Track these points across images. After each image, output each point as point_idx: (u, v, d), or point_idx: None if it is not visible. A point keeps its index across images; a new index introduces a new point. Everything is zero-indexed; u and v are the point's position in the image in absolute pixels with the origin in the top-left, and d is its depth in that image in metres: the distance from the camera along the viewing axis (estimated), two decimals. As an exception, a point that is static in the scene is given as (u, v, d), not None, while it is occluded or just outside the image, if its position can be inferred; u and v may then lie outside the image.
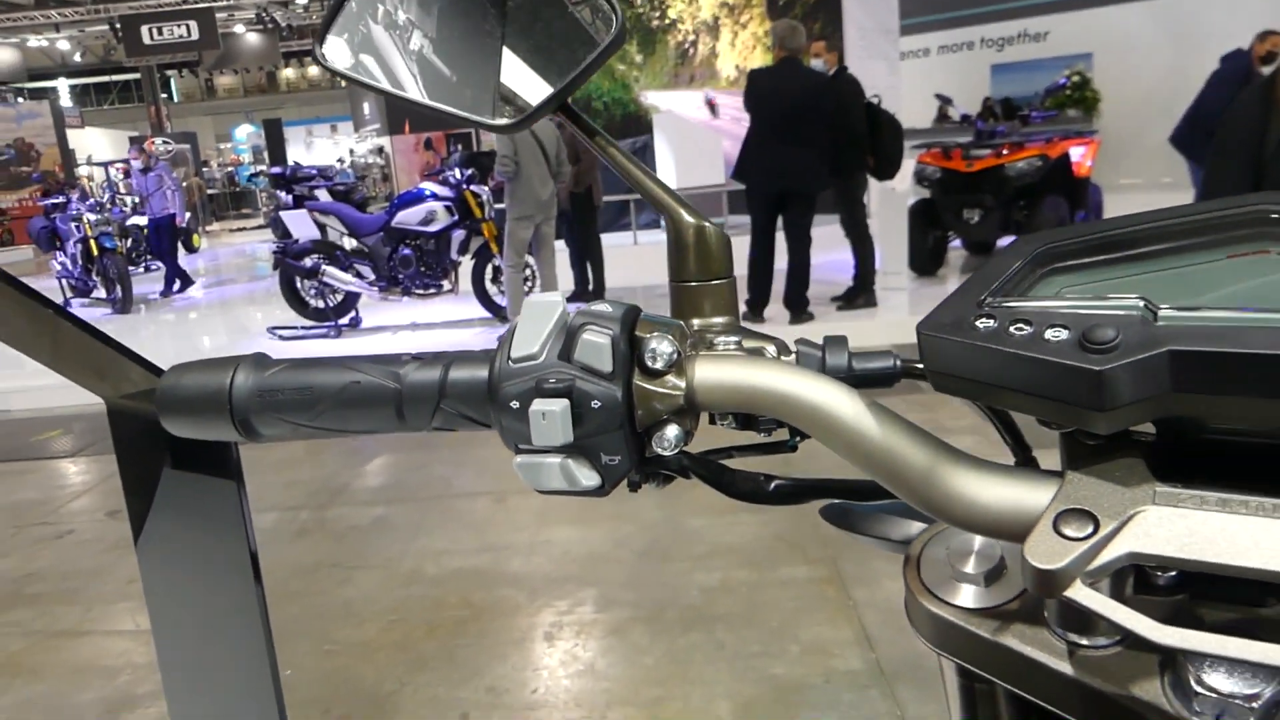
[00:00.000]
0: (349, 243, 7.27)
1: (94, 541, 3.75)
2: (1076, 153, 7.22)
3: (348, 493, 4.15)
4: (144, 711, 2.55)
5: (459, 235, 7.08)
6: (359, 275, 7.20)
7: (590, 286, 7.33)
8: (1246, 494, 0.34)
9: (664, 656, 2.64)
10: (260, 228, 16.61)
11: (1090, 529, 0.34)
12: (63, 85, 27.20)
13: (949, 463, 0.40)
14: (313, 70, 33.28)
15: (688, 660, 2.62)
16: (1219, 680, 0.34)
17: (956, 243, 7.80)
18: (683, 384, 0.44)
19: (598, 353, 0.43)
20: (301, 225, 7.42)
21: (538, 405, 0.43)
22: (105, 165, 19.69)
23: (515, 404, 0.44)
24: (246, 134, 30.76)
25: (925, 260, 7.37)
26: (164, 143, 18.35)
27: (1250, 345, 0.32)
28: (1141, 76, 12.25)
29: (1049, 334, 0.35)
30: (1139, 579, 0.38)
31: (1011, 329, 0.36)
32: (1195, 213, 0.37)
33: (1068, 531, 0.34)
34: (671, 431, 0.44)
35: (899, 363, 0.47)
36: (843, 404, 0.42)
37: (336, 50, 0.56)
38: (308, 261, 7.22)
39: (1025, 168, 6.77)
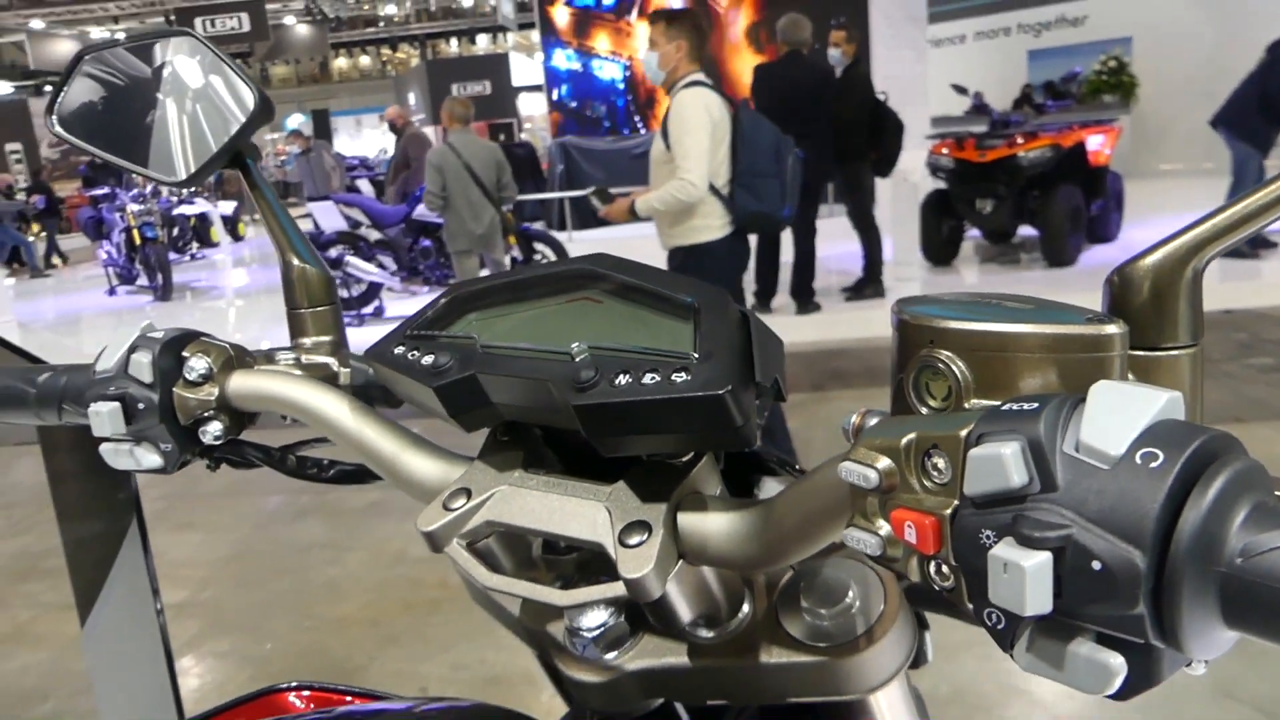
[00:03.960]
0: (373, 234, 7.49)
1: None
2: (1094, 141, 7.15)
3: (349, 477, 4.34)
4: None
5: (477, 227, 7.25)
6: (381, 266, 7.42)
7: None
8: (561, 476, 0.46)
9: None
10: (306, 216, 17.06)
11: (463, 501, 0.45)
12: (120, 77, 27.86)
13: (409, 451, 0.52)
14: (364, 60, 33.80)
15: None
16: (584, 621, 0.45)
17: (975, 233, 7.79)
18: (216, 391, 0.58)
19: (141, 368, 0.58)
20: (328, 216, 7.66)
21: (94, 407, 0.58)
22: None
23: (90, 409, 0.58)
24: (298, 123, 31.36)
25: (939, 250, 7.36)
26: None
27: (509, 369, 0.44)
28: (1182, 60, 12.00)
29: (425, 360, 0.46)
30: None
31: (409, 355, 0.47)
32: (551, 270, 0.47)
33: (450, 504, 0.45)
34: (213, 427, 0.58)
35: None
36: (332, 408, 0.55)
37: (64, 119, 0.70)
38: (333, 252, 7.45)
39: (1038, 157, 6.72)
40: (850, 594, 0.44)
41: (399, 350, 0.48)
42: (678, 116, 3.26)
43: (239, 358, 0.60)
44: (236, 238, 15.42)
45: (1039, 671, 0.30)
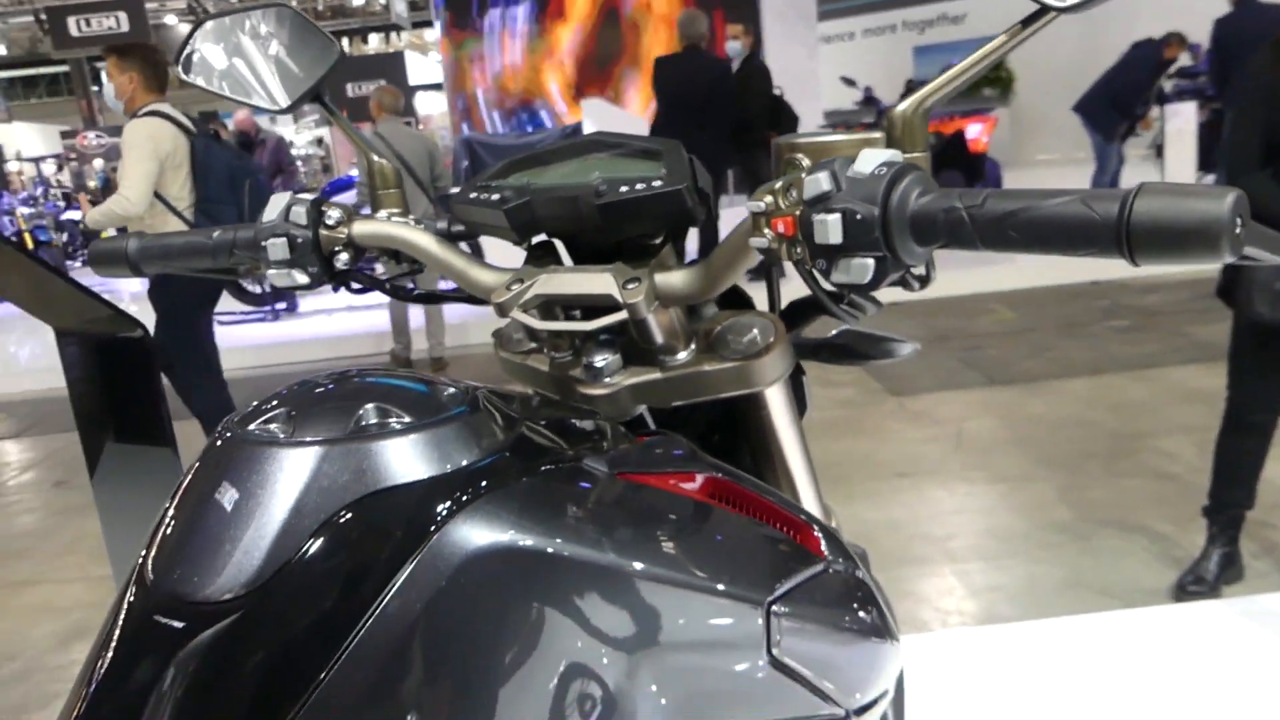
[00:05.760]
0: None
1: (42, 509, 4.04)
2: (973, 130, 7.73)
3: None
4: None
5: (390, 220, 7.34)
6: (294, 261, 7.44)
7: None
8: (585, 264, 0.74)
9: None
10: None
11: (520, 285, 0.74)
12: (-12, 79, 26.57)
13: (476, 266, 0.80)
14: (250, 59, 32.89)
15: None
16: (596, 358, 0.72)
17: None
18: (345, 231, 0.85)
19: (299, 215, 0.85)
20: (236, 214, 7.64)
21: (270, 241, 0.84)
22: (36, 161, 19.46)
23: (264, 244, 0.85)
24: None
25: (835, 234, 7.79)
26: (96, 136, 18.12)
27: (552, 193, 0.71)
28: (1056, 56, 12.79)
29: (494, 196, 0.74)
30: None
31: (482, 195, 0.75)
32: (565, 142, 0.75)
33: (510, 287, 0.74)
34: (343, 256, 0.85)
35: (453, 227, 0.88)
36: (425, 240, 0.84)
37: (188, 68, 0.93)
38: (243, 249, 7.45)
39: (922, 145, 7.22)
40: (754, 330, 0.72)
41: (474, 195, 0.76)
42: (125, 141, 3.63)
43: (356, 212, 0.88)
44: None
45: (841, 281, 0.60)
